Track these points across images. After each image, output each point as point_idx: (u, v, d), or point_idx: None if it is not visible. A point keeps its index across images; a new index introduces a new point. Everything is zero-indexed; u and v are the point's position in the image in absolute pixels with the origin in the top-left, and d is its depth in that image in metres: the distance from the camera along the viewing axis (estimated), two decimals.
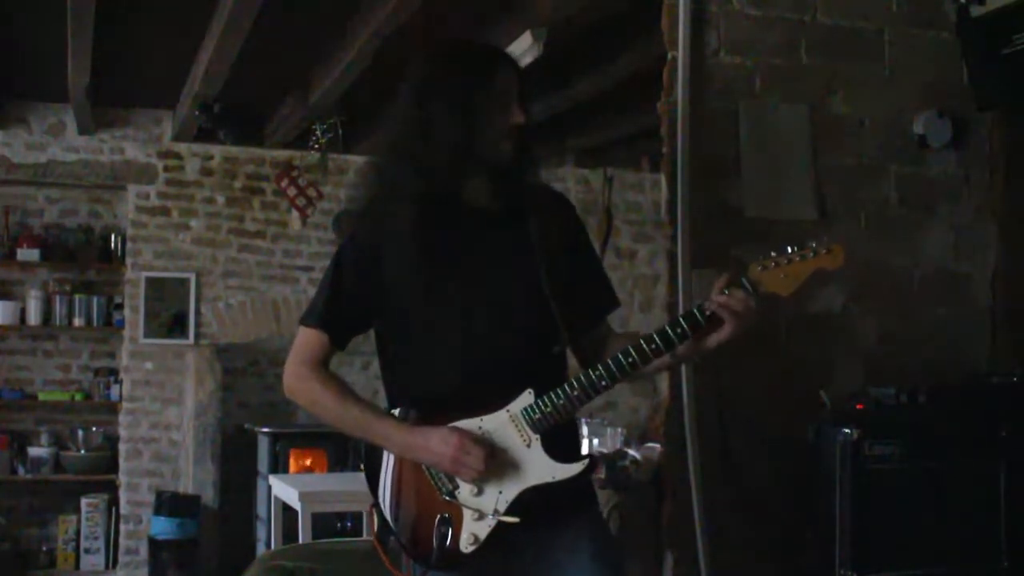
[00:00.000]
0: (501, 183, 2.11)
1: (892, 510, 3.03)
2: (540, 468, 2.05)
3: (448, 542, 2.05)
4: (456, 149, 2.05)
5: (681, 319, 2.03)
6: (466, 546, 2.05)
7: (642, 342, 2.03)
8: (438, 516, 2.06)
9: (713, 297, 2.02)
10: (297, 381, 2.17)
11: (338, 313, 2.16)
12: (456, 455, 2.01)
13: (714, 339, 2.03)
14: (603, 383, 2.04)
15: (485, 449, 2.02)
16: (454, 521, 2.06)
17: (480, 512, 2.05)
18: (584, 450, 2.31)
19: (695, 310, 2.03)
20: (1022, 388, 3.30)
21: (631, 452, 3.81)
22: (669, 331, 2.02)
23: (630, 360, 2.03)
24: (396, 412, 2.14)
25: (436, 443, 2.03)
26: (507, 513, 2.04)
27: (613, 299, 2.29)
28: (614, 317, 2.30)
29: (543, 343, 2.13)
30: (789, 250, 2.03)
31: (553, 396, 2.04)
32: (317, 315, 2.17)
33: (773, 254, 2.03)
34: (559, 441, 2.09)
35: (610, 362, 2.04)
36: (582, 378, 2.04)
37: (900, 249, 3.56)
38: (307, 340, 2.17)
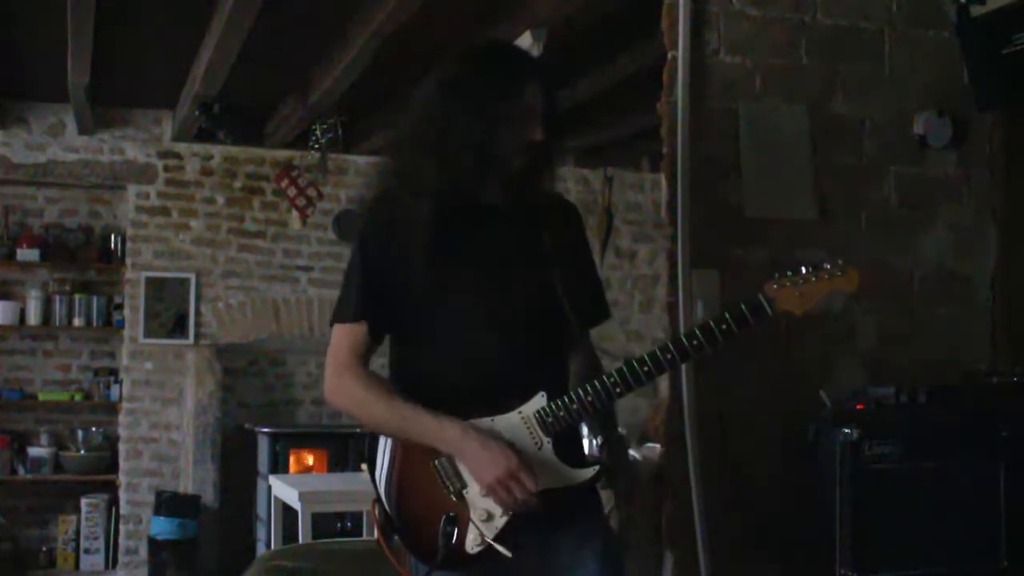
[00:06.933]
0: (515, 186, 2.11)
1: (892, 510, 3.03)
2: (552, 471, 2.05)
3: (454, 542, 2.02)
4: (472, 151, 2.04)
5: (697, 330, 2.05)
6: (472, 546, 2.02)
7: (657, 352, 2.05)
8: (444, 515, 2.03)
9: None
10: (339, 383, 2.08)
11: (374, 300, 2.09)
12: (510, 475, 1.96)
13: None
14: (617, 390, 2.05)
15: (534, 482, 1.97)
16: (460, 520, 2.03)
17: (488, 512, 2.02)
18: (585, 453, 2.31)
19: (727, 315, 2.05)
20: (1022, 388, 3.30)
21: (631, 452, 3.80)
22: (685, 342, 2.05)
23: (645, 369, 2.05)
24: None
25: (496, 454, 1.98)
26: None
27: (606, 309, 2.31)
28: (615, 316, 2.32)
29: (554, 345, 2.14)
30: (804, 270, 2.07)
31: (567, 399, 2.04)
32: (351, 308, 2.10)
33: (789, 273, 2.07)
34: (567, 446, 2.09)
35: (625, 369, 2.04)
36: (596, 384, 2.05)
37: (900, 249, 3.55)
38: (343, 337, 2.10)
